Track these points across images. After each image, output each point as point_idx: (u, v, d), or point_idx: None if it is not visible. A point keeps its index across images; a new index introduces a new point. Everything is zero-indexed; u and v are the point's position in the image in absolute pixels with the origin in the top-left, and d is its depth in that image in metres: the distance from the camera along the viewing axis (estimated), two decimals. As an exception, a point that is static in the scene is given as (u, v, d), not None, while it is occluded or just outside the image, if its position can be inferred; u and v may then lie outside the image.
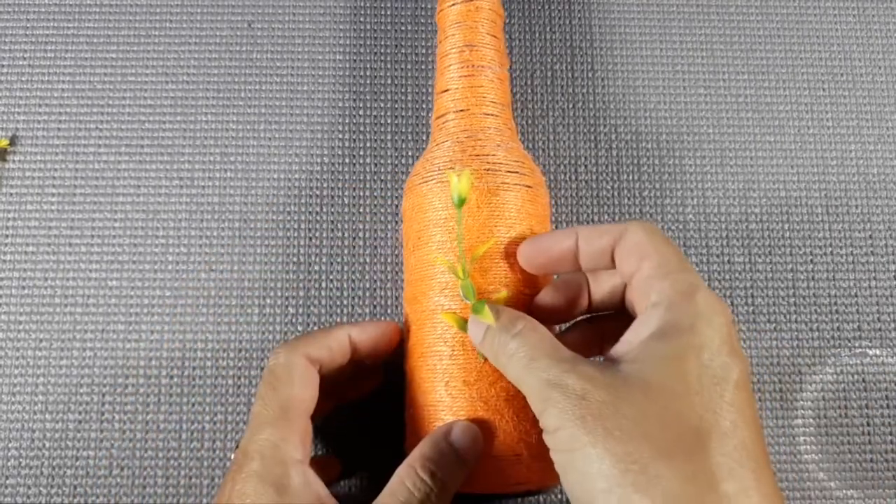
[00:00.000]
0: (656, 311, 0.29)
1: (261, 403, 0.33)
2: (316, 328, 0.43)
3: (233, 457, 0.33)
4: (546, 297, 0.35)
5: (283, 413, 0.32)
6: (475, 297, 0.33)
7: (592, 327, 0.36)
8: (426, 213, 0.36)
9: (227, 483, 0.31)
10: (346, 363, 0.36)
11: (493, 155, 0.36)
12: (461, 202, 0.33)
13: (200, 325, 0.43)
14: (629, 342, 0.29)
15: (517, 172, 0.36)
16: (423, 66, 0.47)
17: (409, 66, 0.47)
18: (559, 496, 0.41)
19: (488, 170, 0.35)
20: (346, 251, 0.44)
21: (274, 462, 0.31)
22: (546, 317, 0.34)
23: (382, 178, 0.45)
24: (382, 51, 0.47)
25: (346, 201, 0.45)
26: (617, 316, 0.34)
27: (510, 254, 0.35)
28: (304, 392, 0.33)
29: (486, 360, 0.34)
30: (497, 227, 0.35)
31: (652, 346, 0.28)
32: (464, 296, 0.33)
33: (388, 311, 0.43)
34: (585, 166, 0.46)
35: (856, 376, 0.43)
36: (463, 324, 0.34)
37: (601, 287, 0.34)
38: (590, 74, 0.47)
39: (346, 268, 0.44)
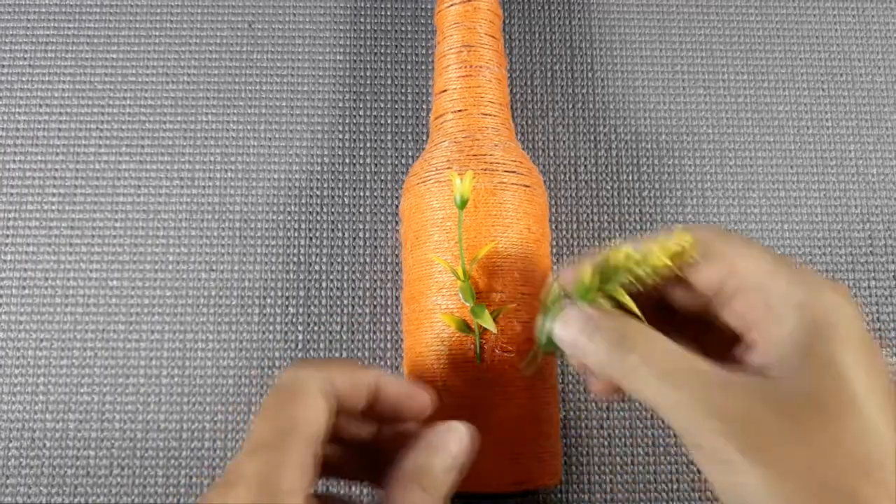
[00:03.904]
0: (789, 312, 0.26)
1: (260, 421, 0.28)
2: (316, 328, 0.43)
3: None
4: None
5: (284, 436, 0.28)
6: (474, 300, 0.33)
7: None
8: (424, 214, 0.36)
9: None
10: (358, 413, 0.32)
11: (491, 155, 0.36)
12: (463, 203, 0.33)
13: (200, 325, 0.43)
14: (766, 347, 0.26)
15: (515, 172, 0.36)
16: (422, 66, 0.47)
17: (409, 66, 0.47)
18: (560, 496, 0.41)
19: (486, 170, 0.35)
20: (346, 251, 0.44)
21: (263, 492, 0.26)
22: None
23: (382, 178, 0.45)
24: (382, 51, 0.47)
25: (346, 201, 0.45)
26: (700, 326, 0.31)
27: (509, 255, 0.35)
28: (314, 415, 0.29)
29: (483, 360, 0.34)
30: (495, 227, 0.35)
31: (797, 350, 0.25)
32: (463, 298, 0.33)
33: (388, 311, 0.43)
34: (585, 166, 0.46)
35: (855, 376, 0.43)
36: (461, 324, 0.34)
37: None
38: (590, 74, 0.47)
39: (346, 268, 0.44)
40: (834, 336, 0.25)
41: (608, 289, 0.28)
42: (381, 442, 0.33)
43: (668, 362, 0.26)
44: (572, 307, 0.29)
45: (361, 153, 0.46)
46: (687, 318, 0.31)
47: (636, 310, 0.28)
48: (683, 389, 0.25)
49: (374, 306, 0.43)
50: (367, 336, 0.43)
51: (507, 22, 0.47)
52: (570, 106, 0.47)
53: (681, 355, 0.26)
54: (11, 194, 0.45)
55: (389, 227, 0.44)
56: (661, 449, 0.42)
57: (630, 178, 0.45)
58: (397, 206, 0.45)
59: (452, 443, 0.30)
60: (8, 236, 0.44)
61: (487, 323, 0.32)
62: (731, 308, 0.28)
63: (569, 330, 0.29)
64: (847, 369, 0.25)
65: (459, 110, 0.37)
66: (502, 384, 0.34)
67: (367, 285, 0.44)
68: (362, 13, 0.48)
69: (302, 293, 0.44)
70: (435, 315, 0.35)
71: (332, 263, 0.44)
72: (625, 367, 0.27)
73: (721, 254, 0.28)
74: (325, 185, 0.45)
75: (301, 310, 0.43)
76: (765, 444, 0.24)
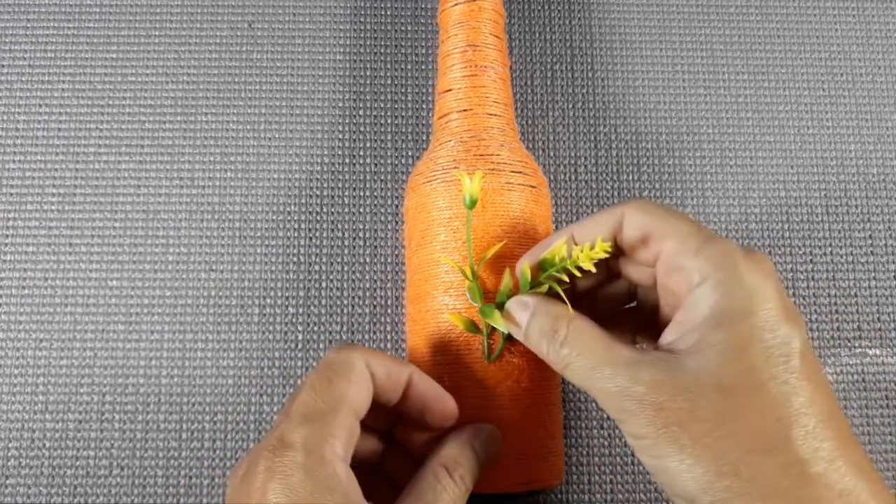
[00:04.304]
0: (704, 292, 0.27)
1: (310, 393, 0.29)
2: (316, 328, 0.43)
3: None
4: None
5: (335, 408, 0.29)
6: (482, 300, 0.33)
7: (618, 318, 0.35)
8: (430, 213, 0.36)
9: (254, 476, 0.28)
10: (389, 407, 0.33)
11: (498, 155, 0.36)
12: (472, 203, 0.33)
13: (200, 325, 0.43)
14: (683, 329, 0.28)
15: (521, 172, 0.36)
16: (423, 66, 0.47)
17: (409, 66, 0.47)
18: (560, 496, 0.41)
19: (493, 170, 0.35)
20: (346, 251, 0.44)
21: (321, 458, 0.28)
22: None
23: (382, 178, 0.45)
24: (382, 51, 0.47)
25: (346, 201, 0.45)
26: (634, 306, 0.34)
27: (516, 255, 0.35)
28: (360, 392, 0.30)
29: (490, 360, 0.34)
30: (502, 227, 0.35)
31: (711, 334, 0.27)
32: (471, 298, 0.33)
33: (388, 311, 0.43)
34: (585, 166, 0.46)
35: (856, 376, 0.43)
36: (469, 324, 0.34)
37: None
38: (590, 74, 0.47)
39: (346, 268, 0.44)
40: (744, 321, 0.27)
41: (543, 281, 0.32)
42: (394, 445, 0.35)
43: (592, 352, 0.29)
44: (516, 297, 0.32)
45: (361, 153, 0.46)
46: (646, 299, 0.34)
47: (565, 299, 0.31)
48: (606, 379, 0.28)
49: (374, 306, 0.43)
50: (367, 336, 0.43)
51: (507, 22, 0.47)
52: (570, 106, 0.47)
53: (604, 345, 0.29)
54: (11, 194, 0.44)
55: (389, 227, 0.44)
56: (662, 449, 0.42)
57: (630, 178, 0.45)
58: (397, 206, 0.45)
59: (485, 441, 0.32)
60: (8, 236, 0.44)
61: (497, 323, 0.32)
62: (664, 288, 0.30)
63: (509, 317, 0.32)
64: (755, 357, 0.26)
65: (465, 110, 0.37)
66: (509, 384, 0.34)
67: (367, 285, 0.44)
68: (362, 13, 0.48)
69: (302, 293, 0.43)
70: (441, 315, 0.35)
71: (332, 263, 0.44)
72: (557, 356, 0.30)
73: (652, 236, 0.30)
74: (325, 185, 0.45)
75: (301, 310, 0.43)
76: (678, 427, 0.26)
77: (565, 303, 0.31)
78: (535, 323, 0.31)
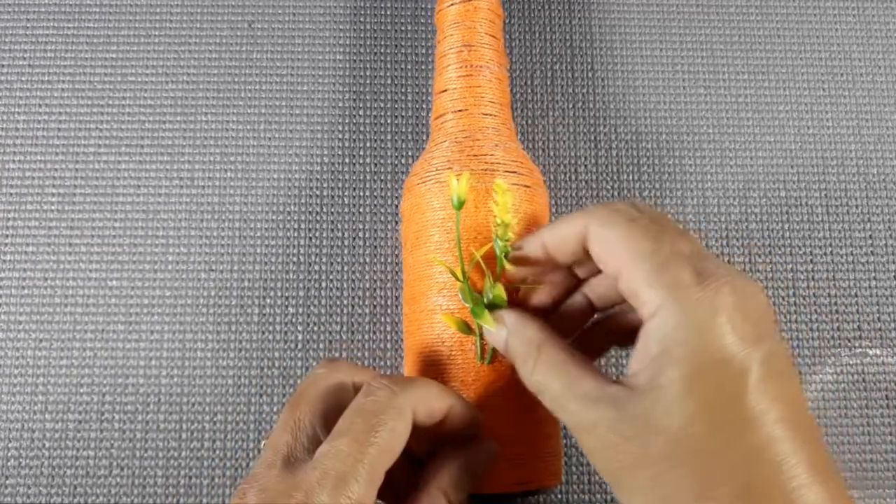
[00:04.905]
0: (656, 325, 0.26)
1: (355, 446, 0.27)
2: (316, 328, 0.43)
3: (263, 444, 0.31)
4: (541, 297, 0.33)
5: (372, 470, 0.27)
6: (473, 300, 0.33)
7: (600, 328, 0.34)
8: (424, 214, 0.36)
9: None
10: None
11: (492, 155, 0.36)
12: (460, 204, 0.33)
13: (200, 325, 0.43)
14: (641, 363, 0.26)
15: (515, 172, 0.36)
16: (423, 66, 0.47)
17: (409, 66, 0.47)
18: (560, 496, 0.41)
19: (486, 170, 0.35)
20: (346, 251, 0.44)
21: None
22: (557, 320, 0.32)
23: (382, 178, 0.45)
24: (382, 51, 0.47)
25: (346, 201, 0.45)
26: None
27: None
28: (401, 444, 0.28)
29: (482, 361, 0.34)
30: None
31: (663, 372, 0.25)
32: (462, 298, 0.33)
33: (388, 311, 0.43)
34: (585, 166, 0.46)
35: (856, 376, 0.43)
36: (462, 325, 0.34)
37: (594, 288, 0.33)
38: (590, 74, 0.47)
39: (346, 268, 0.44)
40: (694, 357, 0.25)
41: (500, 268, 0.32)
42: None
43: (556, 385, 0.28)
44: (497, 312, 0.31)
45: (361, 153, 0.46)
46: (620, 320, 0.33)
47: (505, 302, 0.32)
48: (571, 413, 0.27)
49: (374, 306, 0.43)
50: (367, 336, 0.43)
51: (507, 22, 0.47)
52: (570, 106, 0.47)
53: (568, 379, 0.28)
54: (11, 194, 0.45)
55: (389, 227, 0.44)
56: (662, 449, 0.42)
57: (630, 178, 0.45)
58: (397, 206, 0.45)
59: (484, 462, 0.32)
60: (8, 236, 0.44)
61: (488, 323, 0.32)
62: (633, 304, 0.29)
63: (492, 335, 0.32)
64: (708, 397, 0.24)
65: (460, 110, 0.37)
66: (503, 385, 0.34)
67: (367, 285, 0.44)
68: (362, 13, 0.48)
69: (301, 293, 0.43)
70: (436, 315, 0.35)
71: (331, 263, 0.44)
72: (530, 382, 0.29)
73: (613, 254, 0.28)
74: (325, 185, 0.45)
75: (301, 310, 0.43)
76: (627, 471, 0.25)
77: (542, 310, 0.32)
78: (512, 344, 0.30)
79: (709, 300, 0.25)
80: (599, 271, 0.32)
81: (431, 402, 0.30)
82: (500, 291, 0.32)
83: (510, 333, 0.30)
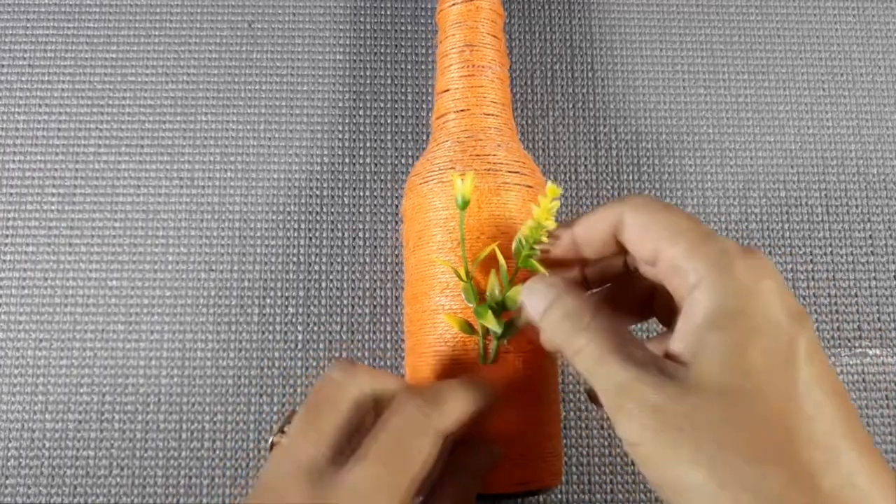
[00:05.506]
0: (700, 295, 0.26)
1: (388, 471, 0.27)
2: (315, 328, 0.43)
3: (272, 441, 0.30)
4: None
5: (409, 493, 0.27)
6: (477, 300, 0.33)
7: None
8: (427, 214, 0.36)
9: None
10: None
11: (494, 155, 0.36)
12: (464, 204, 0.33)
13: (200, 325, 0.43)
14: (684, 334, 0.26)
15: (518, 172, 0.36)
16: (423, 66, 0.47)
17: (409, 66, 0.47)
18: (560, 496, 0.41)
19: (489, 170, 0.35)
20: (346, 251, 0.44)
21: None
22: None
23: (382, 178, 0.45)
24: (382, 51, 0.47)
25: (346, 201, 0.45)
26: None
27: (512, 255, 0.35)
28: (430, 460, 0.28)
29: (485, 362, 0.34)
30: (498, 228, 0.35)
31: (708, 339, 0.25)
32: (466, 298, 0.33)
33: (388, 311, 0.43)
34: (585, 166, 0.46)
35: (856, 376, 0.43)
36: (464, 325, 0.34)
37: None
38: (590, 74, 0.47)
39: (346, 268, 0.44)
40: (741, 322, 0.25)
41: (523, 265, 0.31)
42: None
43: (607, 343, 0.27)
44: (539, 277, 0.30)
45: (361, 153, 0.46)
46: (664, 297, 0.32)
47: (544, 271, 0.31)
48: (613, 373, 0.26)
49: (374, 306, 0.43)
50: (367, 336, 0.43)
51: (507, 22, 0.47)
52: (570, 106, 0.47)
53: (619, 340, 0.27)
54: (11, 194, 0.44)
55: (389, 227, 0.44)
56: (662, 449, 0.42)
57: (630, 178, 0.45)
58: (397, 206, 0.45)
59: (487, 466, 0.32)
60: (8, 236, 0.44)
61: (491, 324, 0.32)
62: (670, 288, 0.29)
63: (532, 297, 0.30)
64: (755, 360, 0.25)
65: (462, 110, 0.37)
66: (505, 385, 0.34)
67: (367, 285, 0.44)
68: (362, 13, 0.48)
69: (301, 293, 0.43)
70: (438, 315, 0.35)
71: (331, 263, 0.44)
72: (574, 341, 0.28)
73: (650, 235, 0.28)
74: (325, 185, 0.45)
75: (300, 310, 0.43)
76: (676, 432, 0.25)
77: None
78: (561, 304, 0.29)
79: (755, 269, 0.26)
80: (610, 277, 0.32)
81: (460, 415, 0.30)
82: (515, 294, 0.32)
83: (560, 295, 0.29)
